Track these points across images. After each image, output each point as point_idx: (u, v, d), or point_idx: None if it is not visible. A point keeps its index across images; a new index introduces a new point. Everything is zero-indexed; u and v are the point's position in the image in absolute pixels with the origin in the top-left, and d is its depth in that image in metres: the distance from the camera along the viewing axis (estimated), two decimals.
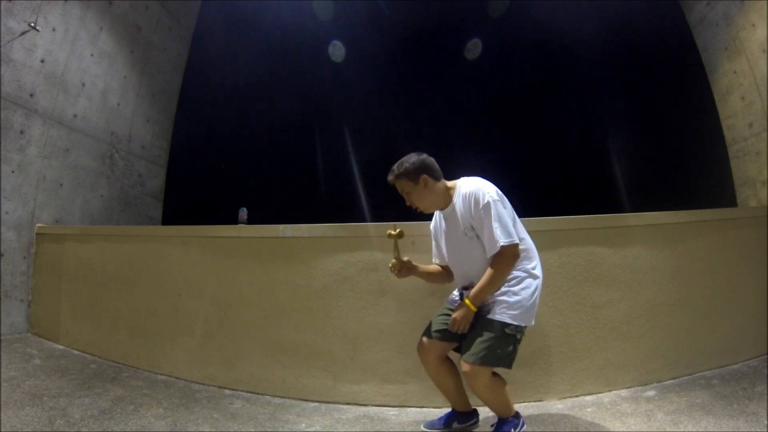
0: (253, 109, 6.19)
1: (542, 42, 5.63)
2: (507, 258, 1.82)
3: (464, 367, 1.82)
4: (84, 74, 4.40)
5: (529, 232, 2.48)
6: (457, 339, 1.95)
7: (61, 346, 3.43)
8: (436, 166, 1.98)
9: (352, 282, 2.55)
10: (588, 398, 2.37)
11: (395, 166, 1.96)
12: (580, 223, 2.53)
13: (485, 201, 1.83)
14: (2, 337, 3.51)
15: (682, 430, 1.93)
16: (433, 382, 2.08)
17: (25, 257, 3.81)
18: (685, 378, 2.50)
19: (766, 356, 2.67)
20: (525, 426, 1.96)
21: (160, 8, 5.35)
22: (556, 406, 2.32)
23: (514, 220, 1.92)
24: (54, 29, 4.03)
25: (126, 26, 4.88)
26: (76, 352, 3.31)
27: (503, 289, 1.86)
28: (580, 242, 2.48)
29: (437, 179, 1.96)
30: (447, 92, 5.94)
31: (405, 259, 2.09)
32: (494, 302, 1.86)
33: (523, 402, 2.35)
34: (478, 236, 1.88)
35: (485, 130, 5.76)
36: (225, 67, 6.21)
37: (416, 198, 1.96)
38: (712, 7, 4.49)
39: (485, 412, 2.21)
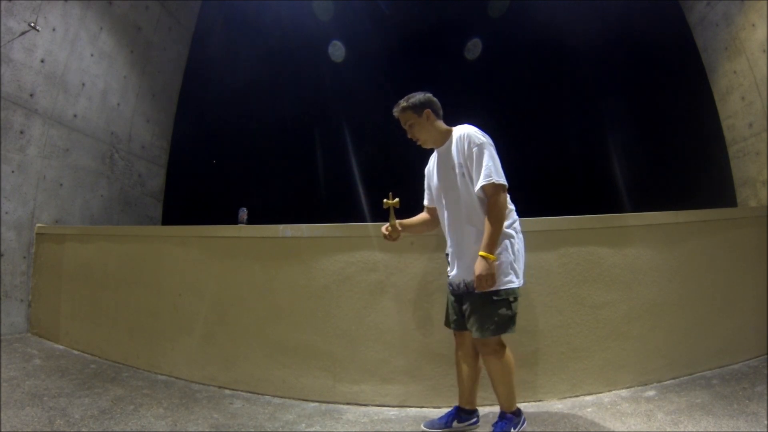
0: (253, 109, 6.19)
1: (542, 42, 5.62)
2: (501, 200, 1.85)
3: (476, 344, 1.94)
4: (84, 74, 4.40)
5: (530, 233, 2.48)
6: None
7: (61, 346, 3.43)
8: (439, 105, 2.09)
9: (352, 282, 2.55)
10: (588, 398, 2.37)
11: (402, 100, 2.06)
12: (580, 223, 2.53)
13: (480, 141, 1.92)
14: (2, 337, 3.51)
15: (682, 430, 1.93)
16: (456, 371, 2.11)
17: (25, 257, 3.81)
18: (685, 378, 2.50)
19: (766, 356, 2.67)
20: (525, 424, 1.97)
21: (160, 8, 5.35)
22: (556, 406, 2.32)
23: None
24: (54, 29, 4.03)
25: (126, 26, 4.88)
26: (76, 352, 3.31)
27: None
28: (580, 242, 2.48)
29: (438, 117, 2.08)
30: (447, 92, 5.92)
31: (397, 224, 2.15)
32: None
33: (523, 402, 2.35)
34: (464, 174, 1.94)
35: (485, 131, 5.75)
36: (225, 67, 6.20)
37: (418, 130, 2.05)
38: (712, 7, 4.49)
39: (485, 412, 2.21)
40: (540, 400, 2.38)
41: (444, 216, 2.08)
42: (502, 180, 1.87)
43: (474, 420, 2.11)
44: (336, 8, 6.14)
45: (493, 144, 1.96)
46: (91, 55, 4.47)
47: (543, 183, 5.61)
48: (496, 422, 1.95)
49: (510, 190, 1.96)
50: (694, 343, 2.59)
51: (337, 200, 6.15)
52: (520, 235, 1.99)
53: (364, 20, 6.15)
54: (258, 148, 6.23)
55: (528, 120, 5.84)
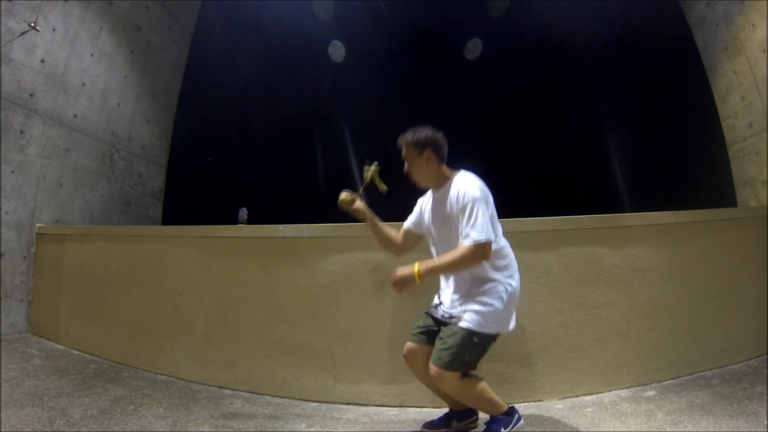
0: (253, 109, 6.20)
1: (542, 42, 5.63)
2: (474, 252, 1.79)
3: (431, 369, 1.85)
4: (84, 74, 4.40)
5: (530, 233, 2.48)
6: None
7: (61, 346, 3.43)
8: (445, 148, 2.02)
9: (352, 282, 2.55)
10: (588, 398, 2.36)
11: (409, 132, 2.02)
12: (580, 223, 2.53)
13: (468, 197, 1.85)
14: (2, 337, 3.51)
15: (682, 430, 1.93)
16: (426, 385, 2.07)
17: (25, 257, 3.81)
18: (685, 378, 2.50)
19: (766, 356, 2.67)
20: (521, 422, 1.95)
21: (160, 8, 5.35)
22: (556, 406, 2.31)
23: (493, 223, 1.92)
24: (54, 29, 4.03)
25: (126, 26, 4.88)
26: (76, 352, 3.31)
27: (476, 297, 1.86)
28: (580, 242, 2.48)
29: (440, 160, 2.01)
30: (447, 92, 5.95)
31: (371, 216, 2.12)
32: (465, 310, 1.85)
33: (523, 402, 2.35)
34: (456, 227, 1.90)
35: (485, 130, 5.78)
36: (225, 67, 6.21)
37: (414, 168, 2.03)
38: (712, 7, 4.49)
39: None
40: (540, 400, 2.38)
41: (435, 254, 2.07)
42: (482, 238, 1.78)
43: (474, 418, 2.10)
44: (336, 8, 6.14)
45: (485, 195, 1.90)
46: (91, 55, 4.47)
47: (543, 183, 5.62)
48: (488, 423, 1.96)
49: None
50: (694, 343, 2.59)
51: (337, 200, 6.15)
52: (517, 287, 1.95)
53: (364, 20, 6.16)
54: (258, 148, 6.24)
55: (528, 120, 5.85)
